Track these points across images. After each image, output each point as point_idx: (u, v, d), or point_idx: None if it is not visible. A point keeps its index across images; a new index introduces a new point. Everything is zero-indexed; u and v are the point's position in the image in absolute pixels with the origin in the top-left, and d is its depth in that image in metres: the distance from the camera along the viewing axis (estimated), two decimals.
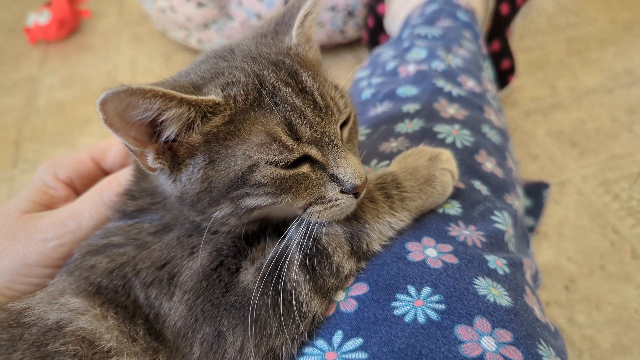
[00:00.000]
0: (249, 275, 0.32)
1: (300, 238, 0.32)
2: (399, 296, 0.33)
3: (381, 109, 0.55)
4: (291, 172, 0.31)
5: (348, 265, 0.34)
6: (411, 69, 0.60)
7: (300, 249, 0.32)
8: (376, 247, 0.35)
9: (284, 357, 0.31)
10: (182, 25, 1.08)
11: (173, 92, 0.28)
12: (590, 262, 0.66)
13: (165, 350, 0.32)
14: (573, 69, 1.00)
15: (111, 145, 0.45)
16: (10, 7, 1.56)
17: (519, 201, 0.49)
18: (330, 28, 1.03)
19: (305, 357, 0.32)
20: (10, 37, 1.39)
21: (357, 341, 0.31)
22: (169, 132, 0.30)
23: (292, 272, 0.31)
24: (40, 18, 1.26)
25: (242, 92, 0.30)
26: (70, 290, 0.33)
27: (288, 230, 0.34)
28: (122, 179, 0.39)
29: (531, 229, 0.70)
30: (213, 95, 0.30)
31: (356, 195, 0.32)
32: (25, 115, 1.09)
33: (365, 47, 1.02)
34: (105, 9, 1.45)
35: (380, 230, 0.35)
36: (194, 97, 0.29)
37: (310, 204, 0.32)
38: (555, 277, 0.64)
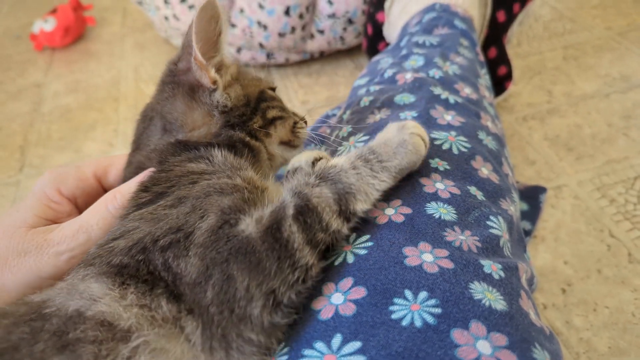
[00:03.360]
0: (250, 226, 0.36)
1: (291, 197, 0.38)
2: (396, 300, 0.35)
3: (379, 116, 0.56)
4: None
5: (335, 223, 0.37)
6: (409, 76, 0.61)
7: (293, 206, 0.37)
8: (362, 207, 0.39)
9: (285, 300, 0.34)
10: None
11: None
12: (587, 265, 0.67)
13: (186, 316, 0.33)
14: (569, 74, 1.01)
15: (114, 162, 0.47)
16: (17, 14, 1.58)
17: (515, 206, 0.50)
18: (331, 35, 1.05)
19: (304, 359, 0.33)
20: (17, 44, 1.41)
21: (356, 344, 0.32)
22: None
23: (287, 223, 0.36)
24: (46, 25, 1.28)
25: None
26: (91, 275, 0.34)
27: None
28: (125, 192, 0.41)
29: (528, 233, 0.70)
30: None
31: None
32: (31, 120, 1.11)
33: (364, 54, 1.04)
34: (109, 17, 1.47)
35: (366, 191, 0.39)
36: None
37: (295, 123, 0.50)
38: (552, 281, 0.65)
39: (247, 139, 0.46)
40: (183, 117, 0.45)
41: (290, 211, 0.36)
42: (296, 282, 0.34)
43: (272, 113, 0.48)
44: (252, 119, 0.47)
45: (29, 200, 0.43)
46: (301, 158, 0.47)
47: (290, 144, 0.50)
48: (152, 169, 0.42)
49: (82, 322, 0.31)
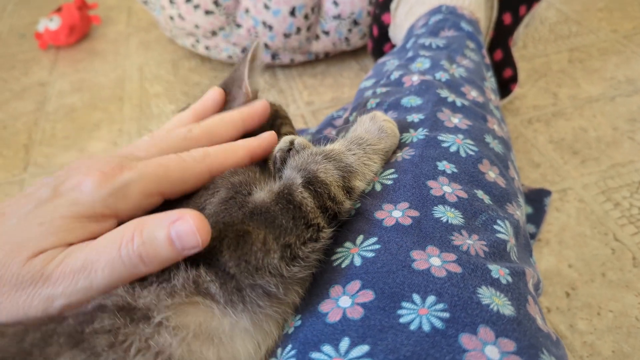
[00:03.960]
0: (262, 193, 0.38)
1: (297, 172, 0.40)
2: (404, 304, 0.35)
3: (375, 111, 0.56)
4: None
5: (340, 194, 0.40)
6: (415, 79, 0.61)
7: (300, 177, 0.39)
8: (359, 185, 0.42)
9: (300, 253, 0.36)
10: (190, 33, 1.10)
11: None
12: (591, 269, 0.67)
13: (207, 280, 0.34)
14: (575, 77, 1.01)
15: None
16: (21, 12, 1.58)
17: (521, 210, 0.50)
18: (336, 36, 1.05)
19: None
20: (21, 42, 1.42)
21: (364, 348, 0.32)
22: None
23: (298, 190, 0.38)
24: (51, 24, 1.29)
25: None
26: None
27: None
28: (148, 230, 0.31)
29: (532, 236, 0.71)
30: None
31: None
32: (35, 119, 1.11)
33: (369, 55, 1.04)
34: (114, 16, 1.47)
35: (363, 171, 0.43)
36: None
37: None
38: (556, 284, 0.65)
39: None
40: None
41: (299, 181, 0.39)
42: (310, 240, 0.36)
43: None
44: None
45: (56, 220, 0.31)
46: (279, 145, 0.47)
47: None
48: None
49: (99, 313, 0.30)
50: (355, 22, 1.02)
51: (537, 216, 0.73)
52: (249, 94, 0.48)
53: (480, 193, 0.45)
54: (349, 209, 0.41)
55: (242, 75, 0.48)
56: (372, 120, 0.48)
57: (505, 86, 0.88)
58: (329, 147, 0.44)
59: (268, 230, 0.35)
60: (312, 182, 0.38)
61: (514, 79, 0.89)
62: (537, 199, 0.75)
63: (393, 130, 0.48)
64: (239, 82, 0.49)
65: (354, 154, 0.43)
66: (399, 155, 0.48)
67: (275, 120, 0.50)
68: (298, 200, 0.37)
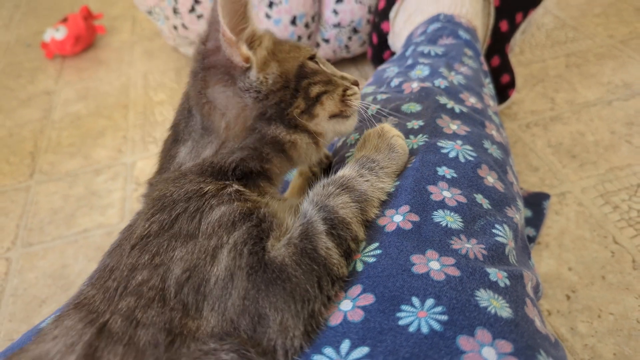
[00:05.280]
0: (281, 250, 0.35)
1: (316, 211, 0.38)
2: (403, 307, 0.35)
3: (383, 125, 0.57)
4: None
5: (360, 231, 0.40)
6: (415, 85, 0.62)
7: (322, 220, 0.38)
8: (375, 212, 0.43)
9: (321, 321, 0.35)
10: (194, 42, 1.12)
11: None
12: (591, 272, 0.67)
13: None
14: (572, 82, 1.02)
15: None
16: (28, 22, 1.61)
17: (520, 214, 0.51)
18: (336, 44, 1.07)
19: None
20: (28, 52, 1.44)
21: (364, 350, 0.33)
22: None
23: (322, 241, 0.36)
24: (57, 34, 1.31)
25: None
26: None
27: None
28: None
29: (532, 239, 0.71)
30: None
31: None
32: (41, 127, 1.13)
33: (369, 62, 1.05)
34: (119, 25, 1.50)
35: (378, 197, 0.43)
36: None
37: (345, 90, 0.45)
38: (556, 287, 0.66)
39: (283, 135, 0.42)
40: (217, 116, 0.42)
41: (321, 227, 0.37)
42: (335, 297, 0.36)
43: (315, 90, 0.43)
44: (292, 103, 0.42)
45: None
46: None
47: (342, 115, 0.45)
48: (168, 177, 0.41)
49: None
50: (355, 30, 1.04)
51: (536, 219, 0.73)
52: (230, 39, 0.39)
53: (479, 197, 0.46)
54: (363, 240, 0.41)
55: (215, 14, 0.38)
56: (381, 137, 0.46)
57: (503, 92, 0.90)
58: (340, 173, 0.43)
59: (288, 304, 0.33)
60: (335, 225, 0.37)
61: (511, 84, 0.90)
62: (536, 202, 0.76)
63: (403, 147, 0.47)
64: (215, 25, 0.39)
65: (366, 180, 0.42)
66: None
67: (300, 82, 0.43)
68: (323, 255, 0.35)
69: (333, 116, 0.45)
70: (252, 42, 0.42)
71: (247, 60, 0.40)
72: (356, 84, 0.47)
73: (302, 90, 0.43)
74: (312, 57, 0.46)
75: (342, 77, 0.47)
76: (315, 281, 0.34)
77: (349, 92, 0.46)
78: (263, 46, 0.43)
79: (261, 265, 0.34)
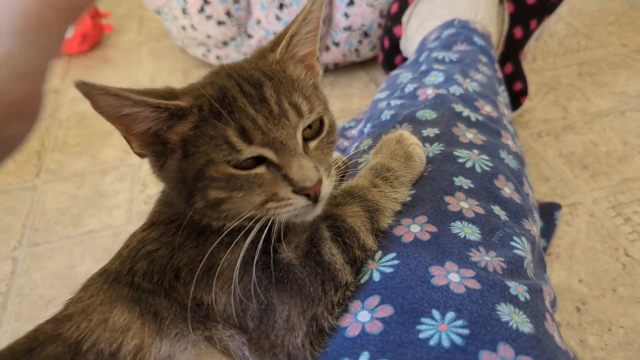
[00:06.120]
0: (290, 252, 0.37)
1: (323, 219, 0.39)
2: (423, 320, 0.35)
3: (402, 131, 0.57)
4: (243, 172, 0.36)
5: (369, 240, 0.40)
6: (430, 92, 0.62)
7: (327, 227, 0.38)
8: (387, 222, 0.42)
9: (325, 326, 0.36)
10: (202, 43, 1.12)
11: (130, 94, 0.34)
12: (602, 284, 0.66)
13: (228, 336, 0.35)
14: (584, 91, 1.01)
15: None
16: None
17: (536, 226, 0.50)
18: (346, 47, 1.06)
19: None
20: None
21: None
22: (145, 126, 0.36)
23: (326, 246, 0.37)
24: None
25: (207, 103, 0.36)
26: (117, 302, 0.35)
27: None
28: None
29: (543, 250, 0.71)
30: (180, 102, 0.36)
31: (309, 197, 0.36)
32: (48, 126, 1.12)
33: (378, 67, 1.05)
34: (126, 25, 1.50)
35: (391, 207, 0.43)
36: (156, 100, 0.35)
37: (266, 201, 0.36)
38: (566, 299, 0.65)
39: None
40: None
41: (325, 233, 0.38)
42: (338, 304, 0.36)
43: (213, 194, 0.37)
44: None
45: None
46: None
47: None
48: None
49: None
50: (366, 34, 1.03)
51: (547, 230, 0.73)
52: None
53: (496, 209, 0.46)
54: (375, 250, 0.41)
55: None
56: (399, 143, 0.46)
57: (515, 99, 0.89)
58: (353, 183, 0.43)
59: (294, 302, 0.35)
60: (340, 233, 0.38)
61: (524, 92, 0.89)
62: (548, 212, 0.75)
63: (420, 156, 0.47)
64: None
65: (379, 191, 0.42)
66: None
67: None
68: (327, 260, 0.36)
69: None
70: None
71: (140, 155, 0.41)
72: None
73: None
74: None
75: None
76: (319, 284, 0.36)
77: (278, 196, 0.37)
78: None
79: (273, 263, 0.36)
